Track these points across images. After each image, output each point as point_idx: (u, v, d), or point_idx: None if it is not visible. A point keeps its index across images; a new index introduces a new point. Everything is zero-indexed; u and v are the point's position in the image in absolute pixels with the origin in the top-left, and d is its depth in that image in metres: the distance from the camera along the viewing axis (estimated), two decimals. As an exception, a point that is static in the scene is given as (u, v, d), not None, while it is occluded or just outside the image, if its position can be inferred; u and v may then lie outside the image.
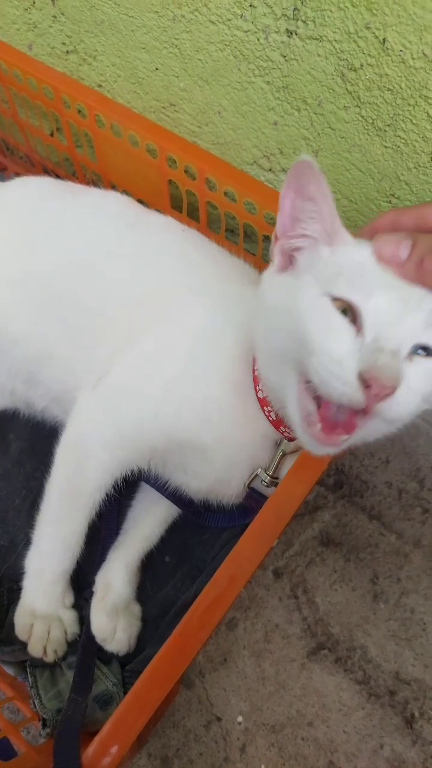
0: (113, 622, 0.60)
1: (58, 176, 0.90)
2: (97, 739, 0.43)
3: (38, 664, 0.62)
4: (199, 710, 0.68)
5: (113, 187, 0.81)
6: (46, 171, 0.92)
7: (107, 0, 0.70)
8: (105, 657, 0.61)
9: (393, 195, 0.69)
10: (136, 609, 0.64)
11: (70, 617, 0.61)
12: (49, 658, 0.59)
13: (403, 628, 0.72)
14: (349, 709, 0.68)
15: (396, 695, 0.69)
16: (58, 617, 0.60)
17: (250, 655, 0.71)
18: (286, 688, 0.69)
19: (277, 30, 0.62)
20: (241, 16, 0.63)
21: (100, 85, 0.81)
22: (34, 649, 0.59)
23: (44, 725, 0.56)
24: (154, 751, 0.66)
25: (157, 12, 0.68)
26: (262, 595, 0.73)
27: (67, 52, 0.79)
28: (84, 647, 0.57)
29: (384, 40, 0.56)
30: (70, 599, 0.62)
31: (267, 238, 0.71)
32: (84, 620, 0.61)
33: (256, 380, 0.51)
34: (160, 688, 0.44)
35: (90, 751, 0.42)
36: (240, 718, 0.68)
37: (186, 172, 0.69)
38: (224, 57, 0.68)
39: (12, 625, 0.61)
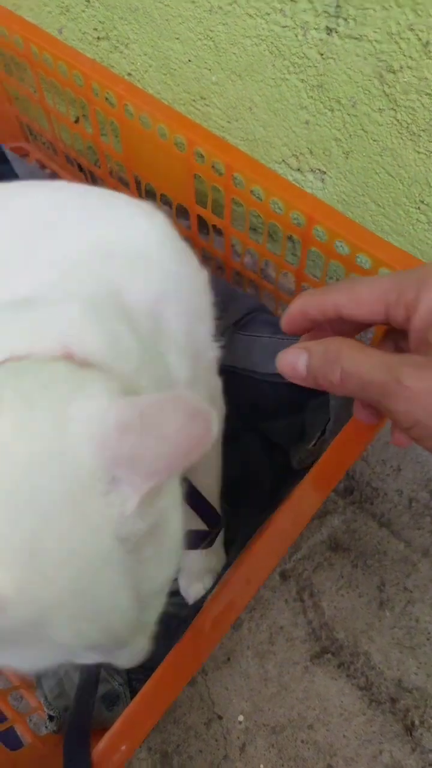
0: None
1: (80, 165, 0.90)
2: (106, 736, 0.43)
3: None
4: (201, 707, 0.68)
5: (136, 179, 0.81)
6: (69, 159, 0.91)
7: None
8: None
9: (422, 201, 0.68)
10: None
11: None
12: None
13: (408, 637, 0.71)
14: (350, 714, 0.68)
15: (397, 703, 0.68)
16: None
17: (253, 655, 0.71)
18: (288, 690, 0.69)
19: (316, 27, 0.61)
20: (281, 10, 0.62)
21: (129, 74, 0.80)
22: None
23: (50, 719, 0.56)
24: (155, 745, 0.66)
25: (193, 2, 0.67)
26: (268, 596, 0.73)
27: (99, 38, 0.78)
28: None
29: (427, 42, 0.55)
30: None
31: (290, 239, 0.70)
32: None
33: None
34: (171, 688, 0.44)
35: (100, 748, 0.42)
36: (241, 718, 0.68)
37: (213, 167, 0.68)
38: (259, 52, 0.67)
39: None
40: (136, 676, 0.61)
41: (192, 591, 0.63)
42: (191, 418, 0.27)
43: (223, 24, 0.66)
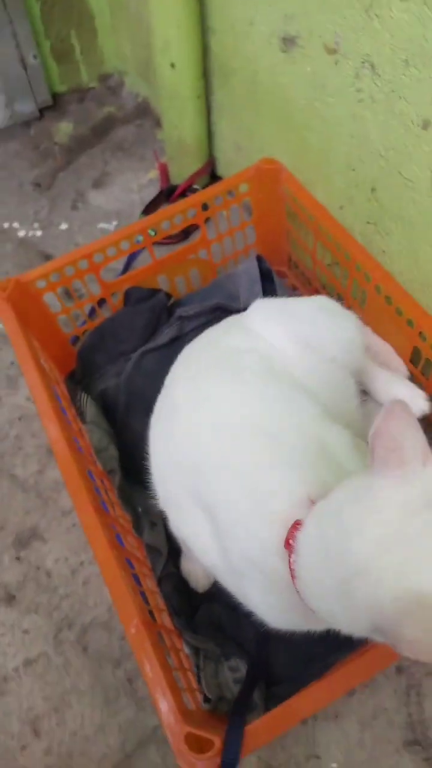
0: None
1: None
2: (255, 723, 0.65)
3: (208, 656, 0.86)
4: (306, 744, 0.87)
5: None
6: (318, 291, 1.18)
7: (422, 200, 0.93)
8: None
9: None
10: None
11: None
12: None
13: None
14: (422, 803, 0.83)
15: None
16: None
17: (357, 722, 0.88)
18: (377, 761, 0.85)
19: None
20: None
21: (383, 251, 1.04)
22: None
23: (206, 700, 0.80)
24: (264, 757, 0.87)
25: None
26: (381, 681, 0.90)
27: (368, 222, 1.04)
28: (254, 666, 0.80)
29: None
30: None
31: None
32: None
33: None
34: (304, 709, 0.65)
35: (250, 727, 0.65)
36: (334, 765, 0.86)
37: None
38: None
39: (202, 619, 0.86)
40: (273, 694, 0.82)
41: None
42: None
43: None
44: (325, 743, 0.87)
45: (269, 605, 0.65)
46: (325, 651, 0.83)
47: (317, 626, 0.65)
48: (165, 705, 0.67)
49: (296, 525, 0.56)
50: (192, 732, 0.65)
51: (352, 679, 0.66)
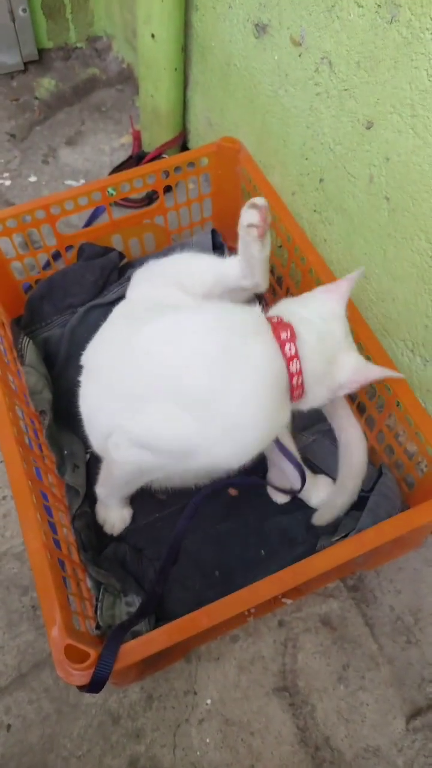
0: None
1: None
2: (133, 641, 0.71)
3: (109, 590, 0.92)
4: (186, 679, 0.94)
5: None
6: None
7: (360, 196, 1.00)
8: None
9: None
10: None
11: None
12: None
13: (348, 711, 0.93)
14: (282, 741, 0.91)
15: (319, 751, 0.90)
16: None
17: (236, 665, 0.96)
18: (248, 701, 0.93)
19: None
20: None
21: (324, 240, 1.11)
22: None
23: (97, 627, 0.86)
24: (146, 687, 0.94)
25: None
26: (264, 631, 0.98)
27: (315, 210, 1.10)
28: (148, 599, 0.87)
29: None
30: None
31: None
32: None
33: None
34: (177, 635, 0.72)
35: (126, 645, 0.71)
36: (209, 701, 0.93)
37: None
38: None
39: (108, 556, 0.92)
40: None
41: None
42: None
43: None
44: (203, 681, 0.95)
45: (257, 413, 0.78)
46: (214, 596, 0.90)
47: (283, 425, 0.85)
48: (51, 617, 0.73)
49: (283, 342, 0.79)
50: (72, 644, 0.71)
51: (223, 612, 0.73)
